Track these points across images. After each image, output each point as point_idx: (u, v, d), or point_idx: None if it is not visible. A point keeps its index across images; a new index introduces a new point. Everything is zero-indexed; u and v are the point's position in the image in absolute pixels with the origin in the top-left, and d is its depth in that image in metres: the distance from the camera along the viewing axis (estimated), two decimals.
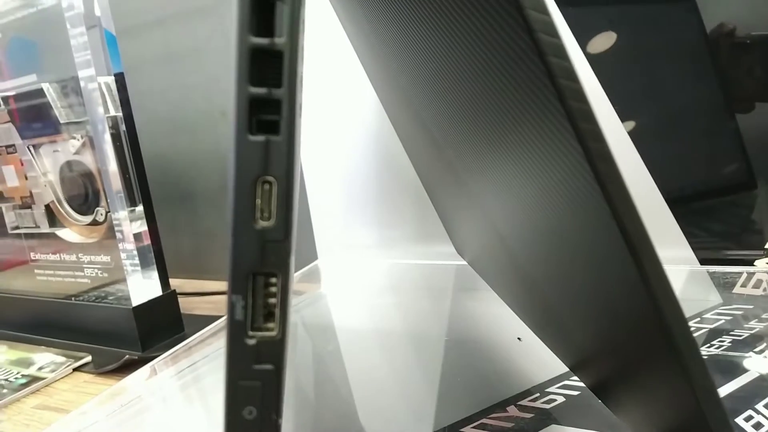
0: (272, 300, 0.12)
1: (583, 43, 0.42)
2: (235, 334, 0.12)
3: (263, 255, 0.11)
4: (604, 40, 0.42)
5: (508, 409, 0.26)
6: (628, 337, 0.16)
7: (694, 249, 0.41)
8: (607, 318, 0.17)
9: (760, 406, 0.23)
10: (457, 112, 0.21)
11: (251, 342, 0.12)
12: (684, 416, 0.15)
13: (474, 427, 0.25)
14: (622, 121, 0.41)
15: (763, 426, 0.22)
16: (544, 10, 0.11)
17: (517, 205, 0.20)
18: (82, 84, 0.45)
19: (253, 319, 0.12)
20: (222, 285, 0.61)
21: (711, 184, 0.43)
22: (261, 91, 0.11)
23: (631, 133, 0.41)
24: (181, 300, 0.51)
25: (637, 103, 0.43)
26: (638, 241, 0.12)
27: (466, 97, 0.19)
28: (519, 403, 0.26)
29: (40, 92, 0.47)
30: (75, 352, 0.47)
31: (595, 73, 0.40)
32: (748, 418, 0.23)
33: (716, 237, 0.42)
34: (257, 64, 0.11)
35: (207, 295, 0.59)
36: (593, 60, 0.41)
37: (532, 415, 0.25)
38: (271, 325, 0.12)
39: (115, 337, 0.47)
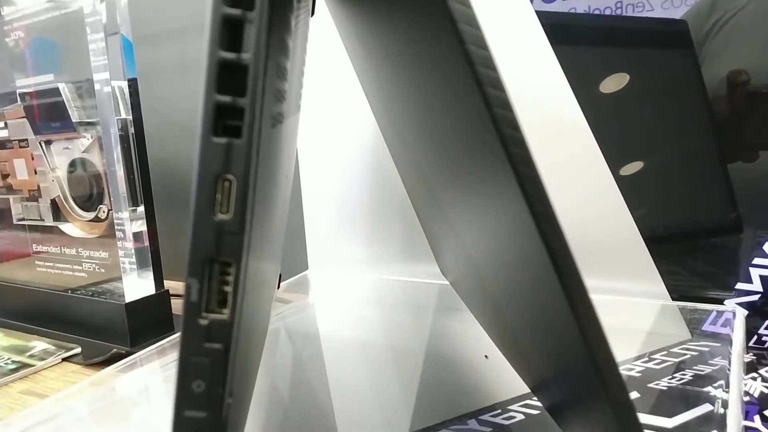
0: (227, 287, 0.13)
1: (596, 82, 0.43)
2: (190, 314, 0.13)
3: (219, 244, 0.13)
4: (617, 81, 0.44)
5: (468, 422, 0.27)
6: (568, 364, 0.17)
7: (674, 286, 0.42)
8: (553, 346, 0.18)
9: None
10: (434, 139, 0.23)
11: (203, 322, 0.13)
12: None
13: None
14: (628, 161, 0.43)
15: None
16: (492, 66, 0.13)
17: (480, 231, 0.21)
18: (96, 86, 0.47)
19: (208, 302, 0.13)
20: None
21: (700, 225, 0.44)
22: (226, 99, 0.12)
23: (635, 174, 0.43)
24: (175, 302, 0.52)
25: (640, 144, 0.44)
26: (570, 279, 0.13)
27: (439, 127, 0.20)
28: (480, 417, 0.27)
29: (56, 91, 0.50)
30: (66, 343, 0.48)
31: (605, 112, 0.42)
32: None
33: (697, 276, 0.43)
34: (224, 75, 0.12)
35: None
36: (606, 99, 0.43)
37: (490, 429, 0.26)
38: (224, 309, 0.13)
39: (106, 331, 0.48)
